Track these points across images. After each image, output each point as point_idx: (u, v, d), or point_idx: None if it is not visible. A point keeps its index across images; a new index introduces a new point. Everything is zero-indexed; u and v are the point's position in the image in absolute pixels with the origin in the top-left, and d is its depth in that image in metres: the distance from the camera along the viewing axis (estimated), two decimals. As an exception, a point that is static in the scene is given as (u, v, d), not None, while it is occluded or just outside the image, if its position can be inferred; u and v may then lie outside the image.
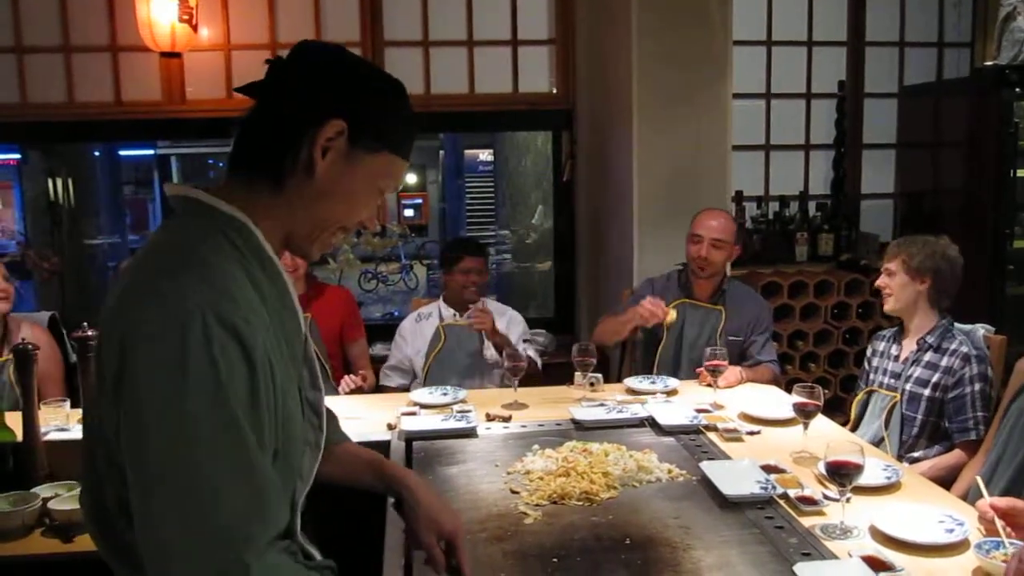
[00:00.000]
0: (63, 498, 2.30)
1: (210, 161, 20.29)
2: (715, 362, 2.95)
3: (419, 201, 19.82)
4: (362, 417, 2.92)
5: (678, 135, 4.00)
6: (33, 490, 2.34)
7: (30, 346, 2.49)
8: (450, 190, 15.53)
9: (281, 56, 1.27)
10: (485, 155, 14.80)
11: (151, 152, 17.89)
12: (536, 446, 2.46)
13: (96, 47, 4.38)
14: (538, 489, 2.15)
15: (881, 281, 2.99)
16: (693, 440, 2.54)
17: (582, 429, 2.66)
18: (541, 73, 4.64)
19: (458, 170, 15.05)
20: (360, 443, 2.68)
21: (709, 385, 3.06)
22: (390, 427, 2.76)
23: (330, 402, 3.05)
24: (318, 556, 1.35)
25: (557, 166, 4.83)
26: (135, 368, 1.05)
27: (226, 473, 1.05)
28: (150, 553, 1.06)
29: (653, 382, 3.19)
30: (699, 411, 2.76)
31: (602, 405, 2.86)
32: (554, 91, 4.65)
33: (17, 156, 11.57)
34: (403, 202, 19.85)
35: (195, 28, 4.05)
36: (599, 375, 3.17)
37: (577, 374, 3.10)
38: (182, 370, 1.03)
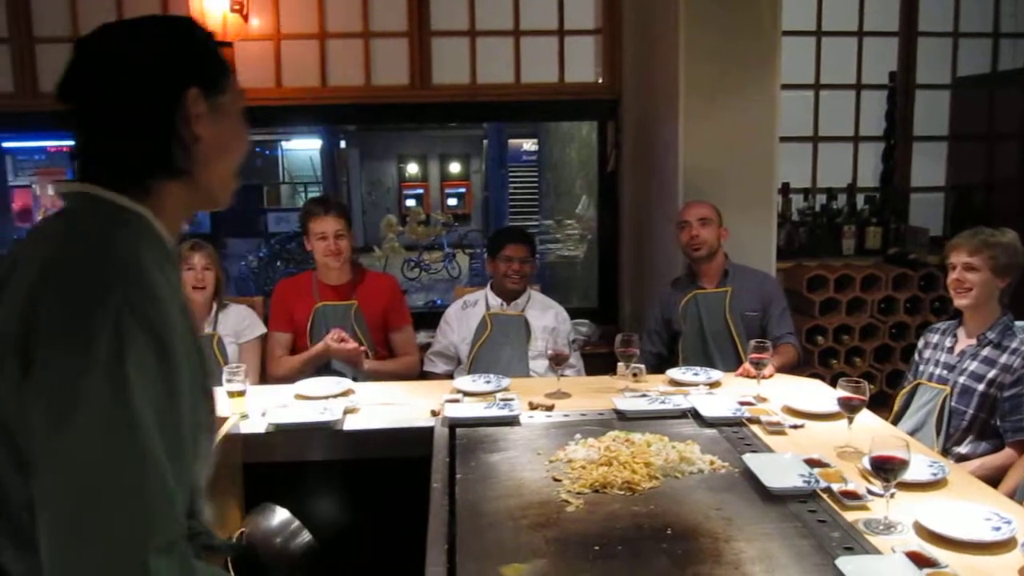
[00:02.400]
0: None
1: (256, 149, 20.57)
2: (758, 355, 2.94)
3: (462, 190, 19.91)
4: (406, 403, 2.97)
5: (725, 126, 3.97)
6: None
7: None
8: (493, 180, 15.56)
9: (86, 51, 1.20)
10: (529, 145, 14.80)
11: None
12: (578, 435, 2.48)
13: (149, 36, 4.45)
14: (580, 478, 2.17)
15: (959, 276, 2.89)
16: (736, 432, 2.54)
17: (624, 419, 2.67)
18: (587, 63, 4.63)
19: (501, 160, 15.07)
20: (403, 429, 2.76)
21: (752, 377, 3.05)
22: (434, 413, 2.79)
23: (375, 390, 3.13)
24: (219, 538, 1.28)
25: (602, 156, 4.82)
26: (47, 362, 1.01)
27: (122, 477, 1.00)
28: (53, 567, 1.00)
29: (696, 374, 3.19)
30: (742, 403, 2.76)
31: (644, 396, 2.87)
32: (600, 81, 4.63)
33: (72, 143, 11.82)
34: (446, 191, 19.96)
35: (246, 18, 4.11)
36: (642, 366, 3.18)
37: (620, 364, 3.11)
38: (91, 368, 1.00)
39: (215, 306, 3.53)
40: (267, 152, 20.82)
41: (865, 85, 5.08)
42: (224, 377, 2.87)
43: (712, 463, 2.25)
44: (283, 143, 20.32)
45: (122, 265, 1.08)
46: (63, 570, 0.98)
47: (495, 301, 3.72)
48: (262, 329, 3.62)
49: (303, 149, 19.99)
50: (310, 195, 20.16)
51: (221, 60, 1.29)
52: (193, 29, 1.26)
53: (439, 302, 9.21)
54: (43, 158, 17.43)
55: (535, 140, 13.30)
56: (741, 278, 3.60)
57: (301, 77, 4.52)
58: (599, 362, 3.89)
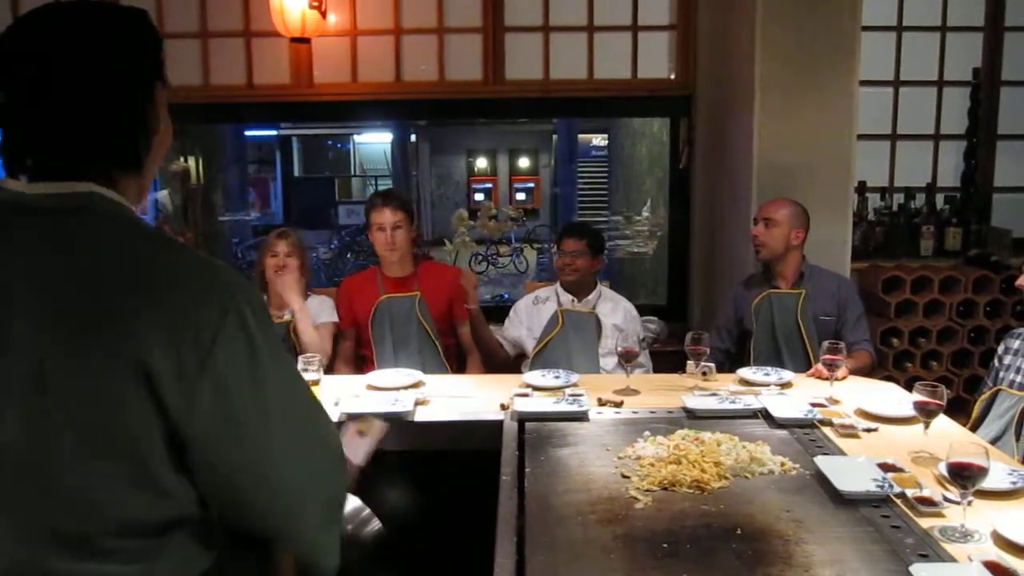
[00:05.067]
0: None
1: (328, 142, 20.90)
2: (832, 356, 2.90)
3: (531, 185, 19.95)
4: (475, 396, 3.00)
5: (801, 123, 3.91)
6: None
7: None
8: (563, 175, 15.55)
9: (44, 32, 1.12)
10: (599, 140, 14.77)
11: (274, 132, 18.54)
12: (647, 432, 2.48)
13: (231, 32, 4.57)
14: (649, 475, 2.17)
15: None
16: (807, 434, 2.51)
17: (694, 418, 2.66)
18: (660, 59, 4.61)
19: (571, 155, 15.05)
20: (473, 422, 2.80)
21: (824, 379, 3.00)
22: (503, 407, 2.82)
23: (445, 382, 3.17)
24: None
25: (674, 153, 4.79)
26: (216, 355, 1.07)
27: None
28: (285, 507, 1.17)
29: (767, 374, 3.16)
30: (814, 405, 2.72)
31: (714, 395, 2.85)
32: (673, 77, 4.60)
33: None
34: (515, 186, 20.02)
35: (324, 15, 4.18)
36: (712, 364, 3.16)
37: (689, 363, 3.09)
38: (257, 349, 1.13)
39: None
40: (339, 145, 21.16)
41: (947, 82, 4.94)
42: (299, 366, 2.94)
43: (783, 464, 2.23)
44: (355, 137, 20.62)
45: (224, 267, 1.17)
46: (303, 487, 1.19)
47: (566, 297, 3.72)
48: (335, 318, 3.69)
49: (375, 143, 20.26)
50: (381, 187, 20.46)
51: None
52: (150, 20, 1.23)
53: (506, 296, 9.26)
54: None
55: (605, 135, 13.26)
56: (817, 280, 3.54)
57: (376, 72, 4.59)
58: (668, 360, 3.88)
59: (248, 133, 17.34)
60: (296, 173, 20.94)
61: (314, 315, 3.62)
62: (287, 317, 3.53)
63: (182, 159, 7.98)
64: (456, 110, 5.01)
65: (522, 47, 4.55)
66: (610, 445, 2.43)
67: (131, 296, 1.05)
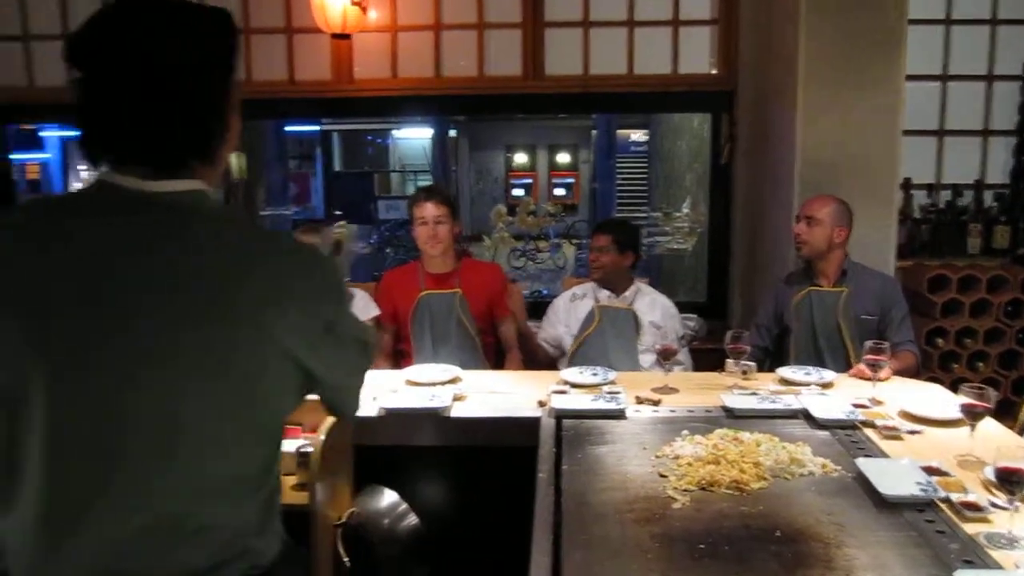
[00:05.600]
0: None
1: (368, 137, 21.01)
2: (875, 356, 2.85)
3: (570, 180, 19.88)
4: (513, 392, 2.99)
5: (845, 118, 3.85)
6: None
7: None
8: (601, 170, 15.48)
9: (118, 16, 1.16)
10: (638, 135, 14.68)
11: (315, 128, 18.68)
12: (685, 431, 2.46)
13: (273, 29, 4.61)
14: (686, 475, 2.15)
15: None
16: (849, 436, 2.47)
17: (733, 417, 2.63)
18: (702, 54, 4.56)
19: (610, 150, 14.99)
20: (510, 418, 2.79)
21: (867, 379, 2.95)
22: (541, 404, 2.81)
23: (483, 378, 3.17)
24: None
25: (715, 148, 4.74)
26: (334, 322, 1.31)
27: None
28: (352, 396, 1.51)
29: (808, 373, 3.11)
30: (856, 406, 2.68)
31: (754, 394, 2.82)
32: (714, 72, 4.55)
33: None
34: (554, 180, 19.97)
35: (365, 11, 4.20)
36: (752, 363, 3.13)
37: (729, 361, 3.06)
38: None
39: None
40: (379, 140, 21.27)
41: (997, 76, 4.83)
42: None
43: (824, 466, 2.20)
44: (394, 132, 20.71)
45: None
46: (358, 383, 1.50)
47: (603, 294, 3.71)
48: (375, 311, 3.71)
49: (414, 138, 20.33)
50: (420, 183, 20.54)
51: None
52: (233, 18, 1.26)
53: (545, 292, 9.25)
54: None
55: (645, 131, 13.17)
56: (860, 278, 3.48)
57: (416, 68, 4.60)
58: (707, 358, 3.84)
59: (289, 129, 17.55)
60: (336, 168, 21.12)
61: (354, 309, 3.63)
62: None
63: (235, 154, 8.08)
64: (495, 106, 5.01)
65: (562, 42, 4.53)
66: (648, 444, 2.42)
67: (266, 287, 1.20)
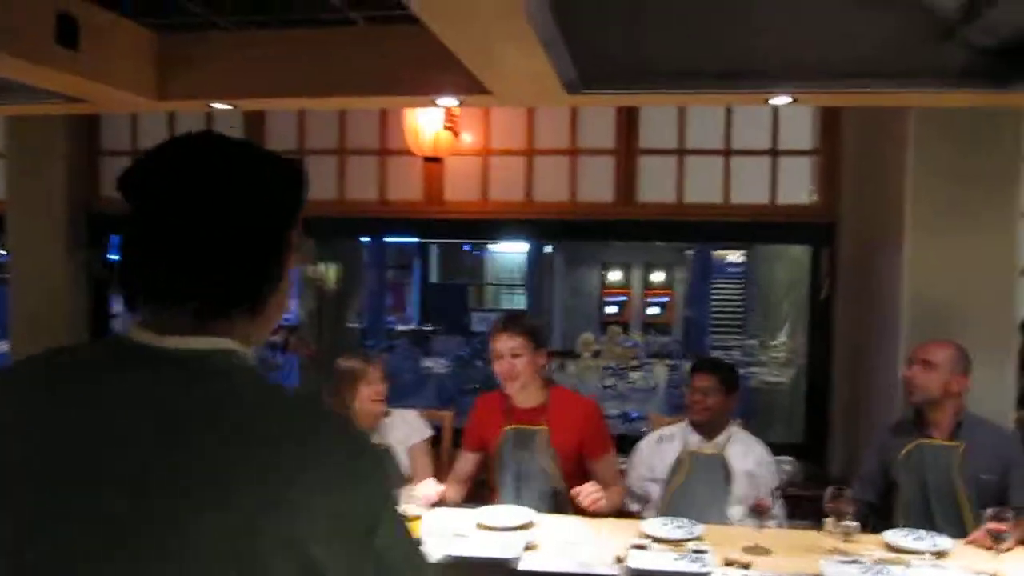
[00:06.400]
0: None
1: (465, 248, 21.36)
2: (997, 526, 2.54)
3: (664, 299, 19.66)
4: (590, 544, 2.78)
5: (956, 255, 3.63)
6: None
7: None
8: (696, 292, 15.25)
9: (180, 152, 1.08)
10: (735, 257, 14.46)
11: (414, 239, 19.11)
12: (777, 605, 2.21)
13: (367, 150, 4.68)
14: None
15: None
16: (969, 624, 2.17)
17: (832, 590, 2.36)
18: (801, 184, 4.40)
19: (705, 271, 14.78)
20: (584, 574, 2.57)
21: (988, 548, 2.64)
22: (618, 560, 2.59)
23: (558, 524, 2.96)
24: None
25: (815, 281, 4.53)
26: (389, 523, 1.05)
27: None
28: None
29: (919, 538, 2.80)
30: (977, 585, 2.37)
31: (856, 562, 2.54)
32: (814, 202, 4.38)
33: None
34: (648, 299, 19.78)
35: (456, 135, 4.22)
36: (856, 523, 2.83)
37: (828, 520, 2.79)
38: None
39: (382, 417, 3.50)
40: (476, 253, 21.59)
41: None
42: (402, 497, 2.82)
43: (940, 663, 1.92)
44: (490, 246, 21.00)
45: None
46: None
47: (694, 438, 3.43)
48: (429, 431, 3.57)
49: (509, 253, 20.56)
50: (514, 297, 20.63)
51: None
52: (305, 172, 1.17)
53: (634, 415, 8.97)
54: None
55: (743, 253, 12.98)
56: (977, 433, 3.14)
57: (508, 191, 4.58)
58: (802, 507, 3.54)
59: (387, 239, 18.00)
60: (432, 279, 21.45)
61: (406, 436, 3.51)
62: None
63: (320, 266, 8.23)
64: (587, 232, 4.93)
65: (655, 169, 4.44)
66: (735, 618, 2.17)
67: (290, 471, 0.97)
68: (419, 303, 20.90)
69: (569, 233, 5.18)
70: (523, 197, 4.57)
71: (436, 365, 13.60)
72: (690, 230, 4.72)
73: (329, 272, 8.37)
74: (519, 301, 19.68)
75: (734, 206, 4.40)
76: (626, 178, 4.46)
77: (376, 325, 17.41)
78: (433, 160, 4.24)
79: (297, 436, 1.00)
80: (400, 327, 18.62)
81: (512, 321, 3.45)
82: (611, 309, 19.68)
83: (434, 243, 20.64)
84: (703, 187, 4.41)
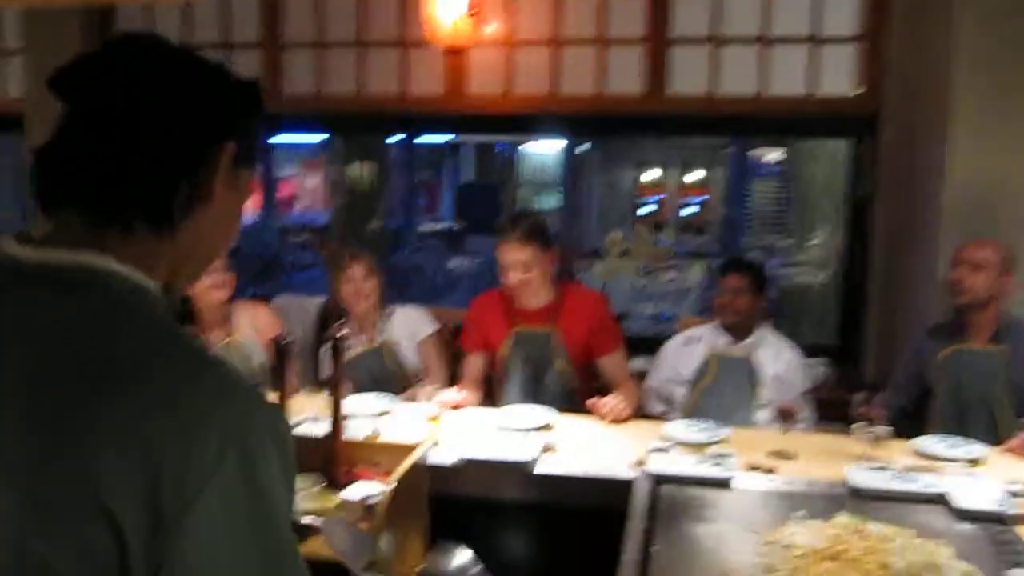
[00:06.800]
0: (307, 494, 2.30)
1: (499, 147, 21.06)
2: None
3: (702, 199, 19.34)
4: (609, 446, 2.72)
5: (1003, 149, 3.42)
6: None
7: (290, 339, 2.51)
8: (734, 191, 14.90)
9: (112, 53, 0.98)
10: (774, 155, 14.05)
11: (446, 138, 18.84)
12: (802, 512, 2.13)
13: (386, 42, 4.49)
14: (798, 568, 1.83)
15: None
16: (1002, 535, 2.07)
17: (859, 498, 2.27)
18: (842, 74, 4.14)
19: (744, 170, 14.41)
20: (601, 479, 2.51)
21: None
22: (638, 463, 2.52)
23: (577, 425, 2.90)
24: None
25: (854, 176, 4.33)
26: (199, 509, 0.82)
27: None
28: None
29: (952, 445, 2.69)
30: (1014, 494, 2.25)
31: (885, 469, 2.44)
32: (856, 94, 4.13)
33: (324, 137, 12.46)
34: (684, 199, 19.47)
35: (480, 21, 4.02)
36: (886, 429, 2.71)
37: (857, 425, 2.69)
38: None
39: (380, 314, 3.50)
40: (508, 153, 21.29)
41: None
42: (421, 398, 2.78)
43: (969, 575, 1.83)
44: (523, 144, 20.68)
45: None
46: None
47: (721, 339, 3.34)
48: (434, 326, 3.56)
49: (542, 152, 20.23)
50: (547, 197, 20.40)
51: (259, 135, 1.07)
52: (259, 91, 1.05)
53: (665, 316, 8.85)
54: (305, 150, 18.77)
55: (782, 150, 12.61)
56: (1020, 337, 2.99)
57: (533, 84, 4.38)
58: (832, 410, 3.44)
59: (419, 140, 17.78)
60: (465, 179, 21.25)
61: (412, 333, 3.50)
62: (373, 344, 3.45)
63: (358, 164, 8.12)
64: (614, 127, 4.74)
65: (686, 60, 4.20)
66: (756, 524, 2.10)
67: (101, 414, 0.81)
68: (452, 203, 20.78)
69: (595, 129, 4.99)
70: (548, 91, 4.37)
71: (462, 265, 13.63)
72: (723, 125, 4.51)
73: (358, 172, 8.25)
74: (552, 201, 19.46)
75: (770, 98, 4.17)
76: (655, 70, 4.23)
77: (406, 225, 17.38)
78: (454, 51, 4.04)
79: (133, 373, 0.84)
80: (432, 227, 18.60)
81: (519, 226, 3.20)
82: (647, 209, 19.43)
83: (466, 142, 20.39)
84: (737, 79, 4.18)
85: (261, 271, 14.35)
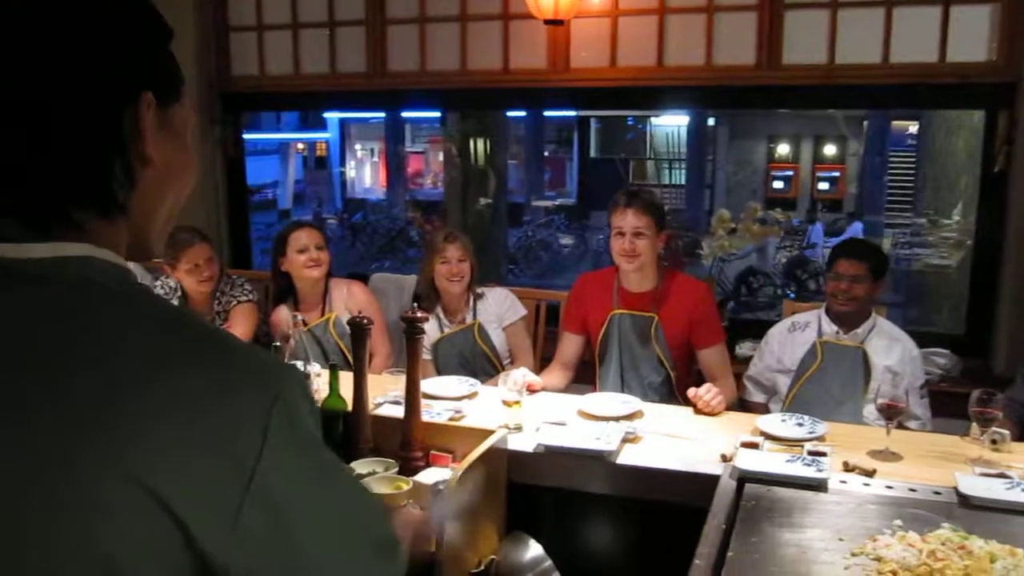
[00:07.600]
0: (379, 477, 2.27)
1: (629, 121, 20.72)
2: None
3: (836, 174, 18.51)
4: (695, 438, 2.57)
5: None
6: (352, 464, 2.34)
7: (365, 319, 2.47)
8: (871, 166, 14.19)
9: None
10: (913, 128, 13.29)
11: (573, 113, 18.65)
12: (899, 521, 1.94)
13: (489, 16, 4.40)
14: (888, 586, 1.66)
15: None
16: None
17: (967, 507, 2.06)
18: (976, 38, 3.78)
19: (882, 144, 13.68)
20: (684, 473, 2.37)
21: None
22: (724, 459, 2.37)
23: (664, 415, 2.76)
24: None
25: (989, 151, 3.97)
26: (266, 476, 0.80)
27: None
28: None
29: (1083, 450, 2.43)
30: None
31: (1002, 476, 2.21)
32: (992, 60, 3.77)
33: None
34: (818, 174, 18.67)
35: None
36: (1006, 431, 2.47)
37: (974, 425, 2.45)
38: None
39: (471, 296, 3.48)
40: (639, 126, 20.93)
41: None
42: (499, 383, 2.71)
43: (1085, 606, 1.62)
44: (652, 119, 20.28)
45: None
46: None
47: (830, 327, 3.10)
48: (523, 310, 3.51)
49: (671, 125, 19.78)
50: (675, 172, 19.97)
51: (174, 58, 0.91)
52: (149, 10, 0.89)
53: (782, 292, 8.47)
54: (436, 125, 18.98)
55: (917, 122, 11.91)
56: None
57: (637, 56, 4.20)
58: (955, 406, 3.16)
59: (547, 113, 17.65)
60: (592, 154, 21.04)
61: (500, 316, 3.47)
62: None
63: (471, 140, 8.10)
64: (724, 99, 4.50)
65: (803, 26, 3.92)
66: (846, 533, 1.93)
67: (142, 400, 0.76)
68: (578, 179, 20.62)
69: (704, 102, 4.75)
70: (654, 62, 4.19)
71: (593, 242, 13.51)
72: (842, 96, 4.21)
73: (471, 147, 8.21)
74: (680, 176, 19.04)
75: (895, 66, 3.85)
76: (770, 37, 3.97)
77: (528, 200, 17.34)
78: (554, 23, 3.91)
79: (147, 357, 0.78)
80: (558, 202, 18.54)
81: (639, 198, 3.15)
82: (777, 184, 18.76)
83: (594, 116, 20.15)
84: (858, 45, 3.88)
85: (386, 244, 14.64)
